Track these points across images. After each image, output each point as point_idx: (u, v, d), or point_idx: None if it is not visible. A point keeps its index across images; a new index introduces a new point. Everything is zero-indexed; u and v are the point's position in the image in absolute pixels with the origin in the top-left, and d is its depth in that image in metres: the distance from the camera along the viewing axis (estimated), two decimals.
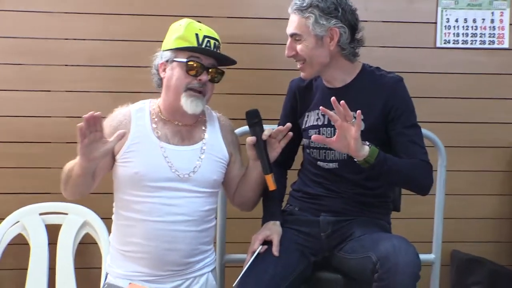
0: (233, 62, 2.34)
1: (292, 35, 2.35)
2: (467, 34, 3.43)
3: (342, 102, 2.13)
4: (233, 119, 2.59)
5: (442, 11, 3.41)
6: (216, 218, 2.52)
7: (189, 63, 2.27)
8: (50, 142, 3.28)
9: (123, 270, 2.30)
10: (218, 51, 2.33)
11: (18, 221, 3.15)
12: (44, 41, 3.25)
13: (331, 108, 2.18)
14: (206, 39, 2.27)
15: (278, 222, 2.44)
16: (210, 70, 2.29)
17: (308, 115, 2.48)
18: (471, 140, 3.49)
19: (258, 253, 2.32)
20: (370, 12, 3.36)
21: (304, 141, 2.51)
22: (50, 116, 3.28)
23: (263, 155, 2.32)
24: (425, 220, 3.16)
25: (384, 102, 2.34)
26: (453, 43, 3.43)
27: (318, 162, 2.44)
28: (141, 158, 2.25)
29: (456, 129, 3.46)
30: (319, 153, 2.43)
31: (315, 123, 2.44)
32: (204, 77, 2.28)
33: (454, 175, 3.36)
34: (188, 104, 2.27)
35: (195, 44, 2.26)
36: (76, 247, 3.17)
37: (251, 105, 2.43)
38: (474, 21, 3.42)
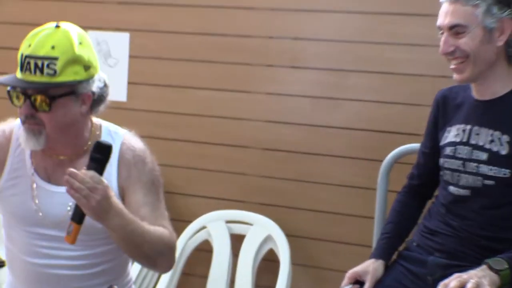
0: (43, 88, 1.82)
1: (453, 27, 2.01)
2: None
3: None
4: None
5: None
6: (119, 257, 2.03)
7: (9, 93, 1.86)
8: (247, 147, 3.18)
9: None
10: (44, 71, 1.79)
11: (205, 227, 3.14)
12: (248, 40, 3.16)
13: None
14: (27, 60, 1.80)
15: (380, 261, 2.20)
16: (32, 97, 1.81)
17: (449, 130, 2.17)
18: None
19: None
20: None
21: (440, 160, 2.18)
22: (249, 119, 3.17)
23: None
24: None
25: None
26: None
27: (450, 187, 2.12)
28: (14, 199, 1.93)
29: None
30: (452, 175, 2.12)
31: (453, 139, 2.13)
32: (24, 109, 1.82)
33: None
34: (25, 141, 1.86)
35: (19, 68, 1.84)
36: (259, 262, 3.08)
37: None
38: None
